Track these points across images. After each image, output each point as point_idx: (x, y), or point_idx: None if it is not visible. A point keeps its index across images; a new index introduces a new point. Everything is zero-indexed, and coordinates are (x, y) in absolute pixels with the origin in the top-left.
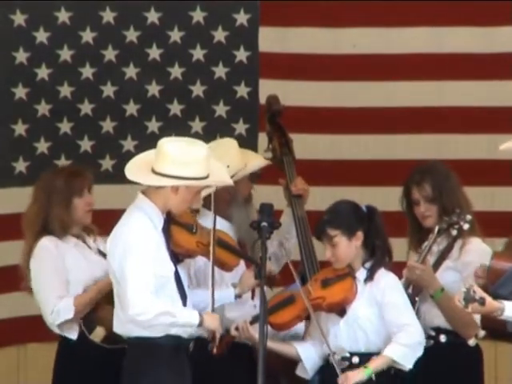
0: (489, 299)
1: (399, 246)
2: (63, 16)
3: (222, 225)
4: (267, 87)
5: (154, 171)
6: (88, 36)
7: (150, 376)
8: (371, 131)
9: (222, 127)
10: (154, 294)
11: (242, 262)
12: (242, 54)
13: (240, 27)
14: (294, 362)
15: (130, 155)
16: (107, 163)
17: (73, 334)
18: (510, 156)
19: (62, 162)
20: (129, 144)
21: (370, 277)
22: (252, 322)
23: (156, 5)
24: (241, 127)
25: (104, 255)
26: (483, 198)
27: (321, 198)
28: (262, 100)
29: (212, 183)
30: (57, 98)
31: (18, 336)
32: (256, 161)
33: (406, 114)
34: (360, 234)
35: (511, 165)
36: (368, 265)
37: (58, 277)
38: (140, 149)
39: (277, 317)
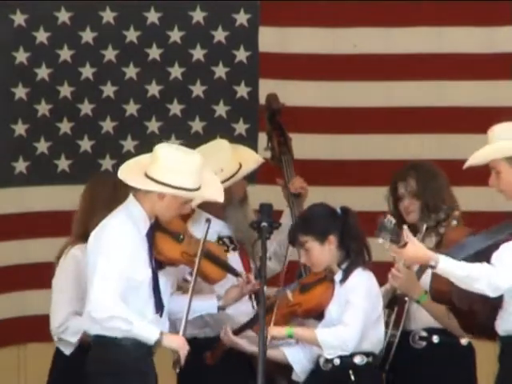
0: (421, 246)
1: None
2: (63, 16)
3: (219, 225)
4: (267, 87)
5: (146, 174)
6: (88, 36)
7: (113, 377)
8: (371, 131)
9: (222, 127)
10: (120, 297)
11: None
12: (241, 54)
13: (240, 27)
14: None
15: (129, 155)
16: (107, 163)
17: (67, 350)
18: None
19: (62, 161)
20: (129, 144)
21: (344, 278)
22: (236, 333)
23: (156, 5)
24: (241, 127)
25: None
26: (484, 197)
27: (320, 198)
28: (262, 100)
29: (200, 198)
30: (57, 98)
31: (18, 336)
32: (250, 161)
33: (406, 114)
34: (332, 238)
35: None
36: (344, 266)
37: (79, 291)
38: (140, 149)
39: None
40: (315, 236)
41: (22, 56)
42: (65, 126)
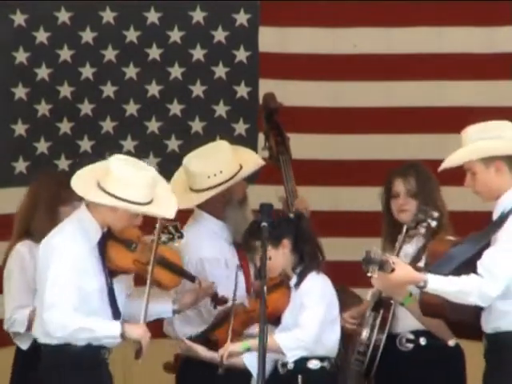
0: (408, 268)
1: None
2: (63, 16)
3: (219, 225)
4: (267, 87)
5: (98, 185)
6: (88, 36)
7: (66, 372)
8: (371, 131)
9: (222, 127)
10: (75, 307)
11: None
12: (241, 54)
13: (240, 27)
14: None
15: (130, 155)
16: None
17: (24, 345)
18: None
19: (62, 162)
20: (129, 144)
21: (298, 282)
22: (193, 340)
23: (156, 5)
24: (241, 127)
25: None
26: None
27: (320, 198)
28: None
29: (149, 213)
30: (57, 98)
31: None
32: (250, 163)
33: (406, 114)
34: (286, 242)
35: None
36: (298, 270)
37: (24, 285)
38: (140, 149)
39: (216, 334)
40: (269, 241)
41: (21, 56)
42: (65, 126)
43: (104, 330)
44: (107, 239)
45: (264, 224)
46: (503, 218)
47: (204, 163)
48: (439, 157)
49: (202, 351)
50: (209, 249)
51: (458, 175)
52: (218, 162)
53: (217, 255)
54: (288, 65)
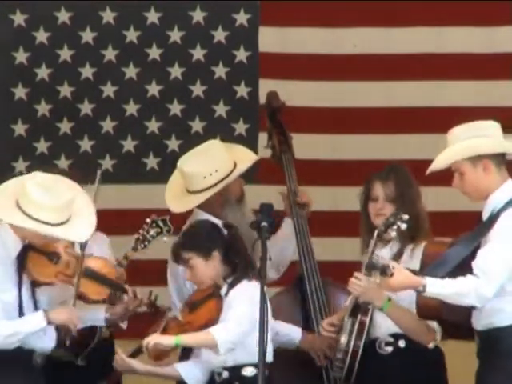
0: (407, 273)
1: None
2: (63, 16)
3: (219, 225)
4: (267, 87)
5: (17, 203)
6: (88, 36)
7: None
8: (371, 131)
9: (222, 127)
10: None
11: None
12: (242, 54)
13: (240, 27)
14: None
15: (130, 155)
16: (107, 163)
17: None
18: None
19: (62, 162)
20: (129, 144)
21: (228, 291)
22: (131, 356)
23: (156, 5)
24: (241, 127)
25: None
26: None
27: (320, 198)
28: (262, 100)
29: (60, 235)
30: (57, 98)
31: None
32: (245, 160)
33: (406, 114)
34: (216, 254)
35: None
36: (229, 280)
37: None
38: (140, 149)
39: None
40: (199, 252)
41: (21, 56)
42: (65, 126)
43: (29, 325)
44: (28, 251)
45: (264, 224)
46: (493, 218)
47: (199, 164)
48: None
49: (137, 365)
50: None
51: (448, 176)
52: (213, 161)
53: None
54: (288, 65)
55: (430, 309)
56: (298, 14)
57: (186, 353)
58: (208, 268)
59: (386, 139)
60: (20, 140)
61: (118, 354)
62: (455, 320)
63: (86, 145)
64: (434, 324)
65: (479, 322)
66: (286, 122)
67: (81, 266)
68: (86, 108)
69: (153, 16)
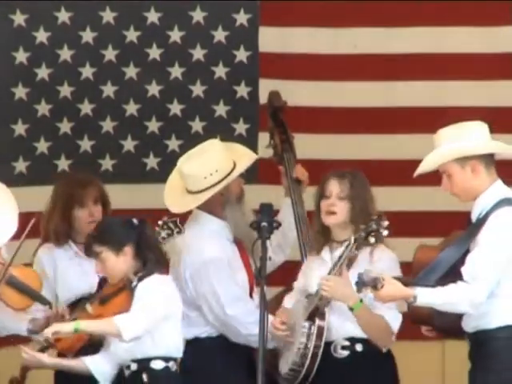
0: (397, 285)
1: (402, 246)
2: (63, 16)
3: (219, 224)
4: (267, 87)
5: None
6: (88, 36)
7: None
8: (371, 131)
9: (222, 127)
10: None
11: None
12: (242, 54)
13: (240, 27)
14: None
15: (130, 155)
16: (107, 163)
17: None
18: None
19: (62, 161)
20: (129, 144)
21: (137, 284)
22: (40, 350)
23: (156, 5)
24: (241, 127)
25: None
26: None
27: None
28: (262, 100)
29: None
30: (57, 98)
31: None
32: (244, 159)
33: (406, 114)
34: (128, 249)
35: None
36: (140, 274)
37: (46, 290)
38: (140, 149)
39: (63, 342)
40: (110, 247)
41: (21, 56)
42: (65, 126)
43: None
44: None
45: (264, 224)
46: (481, 220)
47: (198, 164)
48: None
49: (45, 359)
50: (211, 249)
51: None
52: (213, 161)
53: (220, 255)
54: (288, 65)
55: (421, 315)
56: (298, 14)
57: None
58: (119, 262)
59: (386, 139)
60: (20, 140)
61: (25, 350)
62: (447, 323)
63: (86, 145)
64: (394, 328)
65: (468, 325)
66: (286, 122)
67: (4, 273)
68: (86, 108)
69: (153, 16)
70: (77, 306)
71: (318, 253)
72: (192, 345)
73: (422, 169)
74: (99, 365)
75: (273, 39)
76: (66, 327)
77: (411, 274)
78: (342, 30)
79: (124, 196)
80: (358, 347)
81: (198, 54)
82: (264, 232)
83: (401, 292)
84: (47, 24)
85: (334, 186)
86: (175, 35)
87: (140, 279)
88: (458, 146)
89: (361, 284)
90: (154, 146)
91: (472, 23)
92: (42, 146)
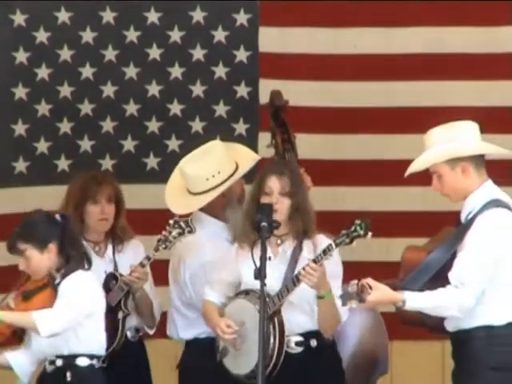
0: (385, 289)
1: (401, 246)
2: (63, 16)
3: (219, 226)
4: (267, 87)
5: None
6: (88, 36)
7: None
8: (371, 131)
9: (222, 127)
10: None
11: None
12: (242, 54)
13: (240, 27)
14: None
15: (130, 155)
16: (107, 163)
17: None
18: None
19: (62, 161)
20: (129, 144)
21: (61, 282)
22: None
23: (156, 5)
24: (241, 127)
25: (116, 266)
26: None
27: (321, 198)
28: (262, 100)
29: None
30: (57, 98)
31: None
32: (247, 160)
33: (406, 114)
34: (52, 246)
35: (510, 164)
36: (63, 271)
37: None
38: (140, 149)
39: None
40: (35, 244)
41: (21, 56)
42: (65, 126)
43: None
44: None
45: (264, 224)
46: (469, 222)
47: (201, 165)
48: None
49: None
50: (211, 252)
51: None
52: (215, 162)
53: (218, 257)
54: (288, 65)
55: (410, 315)
56: (298, 14)
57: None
58: (43, 259)
59: (385, 139)
60: (20, 140)
61: None
62: (436, 323)
63: (86, 145)
64: (343, 319)
65: (449, 324)
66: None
67: None
68: (86, 108)
69: (153, 16)
70: None
71: (251, 249)
72: (192, 345)
73: (412, 168)
74: (19, 360)
75: (273, 39)
76: None
77: (400, 274)
78: (342, 29)
79: (124, 196)
80: (313, 342)
81: (198, 53)
82: (264, 232)
83: (389, 297)
84: (47, 24)
85: (274, 183)
86: (175, 35)
87: (63, 276)
88: (448, 148)
89: (345, 298)
90: (154, 146)
91: (472, 23)
92: (42, 145)
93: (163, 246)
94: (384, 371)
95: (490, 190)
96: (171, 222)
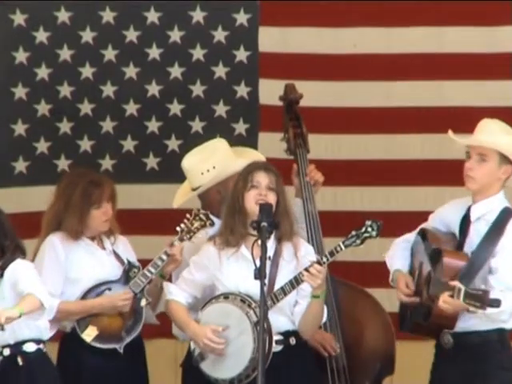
0: (456, 303)
1: None
2: (63, 16)
3: (219, 224)
4: (267, 87)
5: None
6: (88, 36)
7: None
8: (371, 131)
9: (222, 127)
10: None
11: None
12: (242, 54)
13: (240, 27)
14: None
15: (129, 155)
16: (107, 163)
17: (67, 328)
18: None
19: (62, 161)
20: (129, 144)
21: (2, 274)
22: None
23: (156, 5)
24: (241, 127)
25: (118, 256)
26: None
27: (321, 198)
28: (262, 100)
29: None
30: (57, 98)
31: None
32: (246, 160)
33: (406, 114)
34: None
35: None
36: (1, 263)
37: (55, 273)
38: (140, 149)
39: None
40: None
41: (21, 56)
42: (65, 126)
43: None
44: None
45: (264, 224)
46: (500, 223)
47: (197, 160)
48: (439, 157)
49: None
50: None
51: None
52: (212, 158)
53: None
54: (288, 65)
55: (444, 319)
56: (298, 14)
57: None
58: None
59: (385, 139)
60: (20, 140)
61: None
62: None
63: (85, 145)
64: (324, 319)
65: (461, 324)
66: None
67: None
68: (86, 108)
69: (153, 16)
70: (103, 292)
71: (236, 248)
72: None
73: (474, 142)
74: None
75: (273, 39)
76: (13, 312)
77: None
78: (342, 29)
79: (124, 196)
80: (292, 341)
81: (198, 53)
82: (264, 232)
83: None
84: (47, 24)
85: (262, 177)
86: (175, 35)
87: (2, 268)
88: (507, 142)
89: (468, 296)
90: (154, 146)
91: (472, 23)
92: (42, 145)
93: (187, 236)
94: (391, 371)
95: (503, 197)
96: (192, 213)
